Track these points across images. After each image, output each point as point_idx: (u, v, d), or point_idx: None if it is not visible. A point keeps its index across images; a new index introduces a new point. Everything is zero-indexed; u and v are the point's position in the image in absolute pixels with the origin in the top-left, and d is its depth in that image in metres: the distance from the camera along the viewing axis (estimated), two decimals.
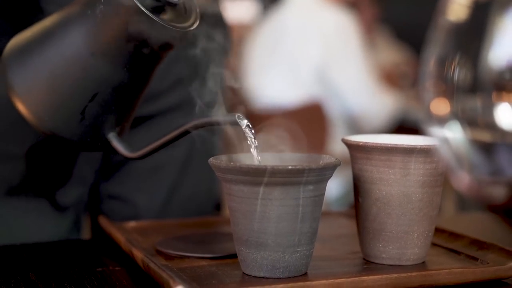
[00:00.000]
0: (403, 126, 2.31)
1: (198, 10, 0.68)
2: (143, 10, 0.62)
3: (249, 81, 2.38)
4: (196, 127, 0.66)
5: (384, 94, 2.38)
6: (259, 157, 0.64)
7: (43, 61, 0.66)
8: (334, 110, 2.29)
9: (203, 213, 0.93)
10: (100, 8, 0.64)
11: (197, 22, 0.67)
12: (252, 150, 0.64)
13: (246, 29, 2.71)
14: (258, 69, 2.37)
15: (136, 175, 0.92)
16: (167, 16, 0.66)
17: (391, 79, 2.90)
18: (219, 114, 0.66)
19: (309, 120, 2.08)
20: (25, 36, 0.68)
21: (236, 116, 0.64)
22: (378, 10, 3.06)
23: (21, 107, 0.67)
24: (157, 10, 0.65)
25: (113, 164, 0.91)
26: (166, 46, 0.66)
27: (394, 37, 3.33)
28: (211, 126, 0.66)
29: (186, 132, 0.66)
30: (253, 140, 0.64)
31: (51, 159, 0.85)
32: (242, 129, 0.64)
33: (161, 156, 0.84)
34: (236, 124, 0.64)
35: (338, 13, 2.29)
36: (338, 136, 2.22)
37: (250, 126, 0.64)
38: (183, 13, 0.67)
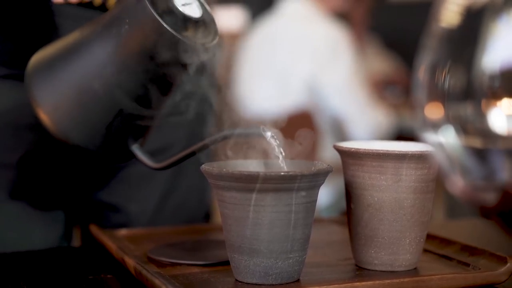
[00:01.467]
0: (401, 136, 2.31)
1: (217, 24, 0.69)
2: (167, 29, 0.64)
3: (239, 90, 2.38)
4: (219, 140, 0.66)
5: (375, 108, 2.37)
6: (285, 167, 0.64)
7: (69, 78, 0.68)
8: (323, 119, 2.28)
9: (194, 221, 0.93)
10: (125, 28, 0.66)
11: (217, 37, 0.68)
12: (280, 160, 0.64)
13: (235, 38, 2.71)
14: (248, 79, 2.37)
15: (127, 184, 0.91)
16: (188, 32, 0.67)
17: (379, 88, 2.90)
18: (243, 126, 0.67)
19: (298, 129, 2.08)
20: (49, 52, 0.70)
21: (261, 128, 0.65)
22: (369, 20, 3.07)
23: (47, 121, 0.68)
24: (180, 27, 0.66)
25: (104, 172, 0.91)
26: (189, 62, 0.67)
27: (384, 46, 3.34)
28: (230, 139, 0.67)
29: (208, 145, 0.67)
30: (280, 150, 0.64)
31: (42, 167, 0.84)
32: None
33: None
34: (260, 135, 0.65)
35: (329, 26, 2.29)
36: (327, 145, 2.23)
37: (275, 137, 0.64)
38: (203, 29, 0.68)
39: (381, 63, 3.20)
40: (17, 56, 0.75)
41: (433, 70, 0.36)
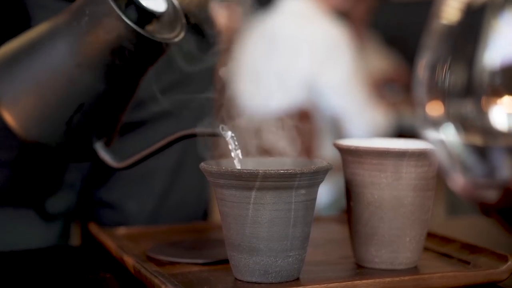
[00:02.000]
0: (401, 134, 2.30)
1: (183, 21, 0.68)
2: (127, 22, 0.63)
3: (237, 88, 2.38)
4: (180, 139, 0.66)
5: (374, 107, 2.37)
6: (239, 166, 0.64)
7: (29, 71, 0.67)
8: (322, 118, 2.28)
9: (192, 219, 0.93)
10: (85, 20, 0.64)
11: (182, 34, 0.67)
12: (236, 162, 0.64)
13: (233, 34, 2.71)
14: (246, 77, 2.37)
15: (125, 182, 0.91)
16: (152, 27, 0.66)
17: (379, 87, 2.90)
18: (204, 126, 0.66)
19: (297, 128, 2.08)
20: (12, 46, 0.69)
21: (220, 127, 0.64)
22: (370, 18, 3.07)
23: (7, 116, 0.67)
24: (142, 21, 0.65)
25: (103, 170, 0.91)
26: (151, 58, 0.66)
27: (384, 43, 3.34)
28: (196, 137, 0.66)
29: (170, 143, 0.66)
30: (237, 152, 0.64)
31: (40, 165, 0.84)
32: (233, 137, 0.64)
33: (151, 163, 0.84)
34: (220, 135, 0.64)
35: (328, 24, 2.28)
36: (326, 144, 2.22)
37: (234, 137, 0.64)
38: (168, 24, 0.67)
39: (382, 61, 3.20)
40: None
41: (434, 67, 0.36)
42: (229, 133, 0.64)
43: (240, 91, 2.36)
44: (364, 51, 3.01)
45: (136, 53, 0.64)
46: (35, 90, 0.67)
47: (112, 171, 0.90)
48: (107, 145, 0.70)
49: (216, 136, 0.65)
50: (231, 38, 2.58)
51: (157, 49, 0.65)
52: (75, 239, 0.96)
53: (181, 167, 0.93)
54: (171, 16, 0.67)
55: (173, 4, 0.67)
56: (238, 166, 0.64)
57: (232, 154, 0.64)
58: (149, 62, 0.67)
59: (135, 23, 0.63)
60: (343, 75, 2.26)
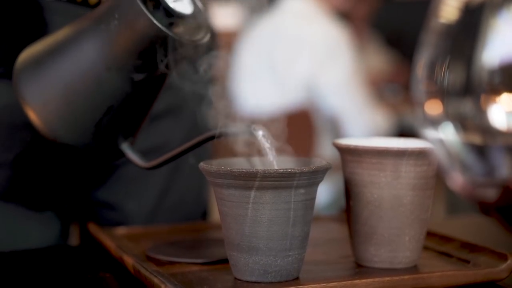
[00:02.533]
0: (402, 134, 2.30)
1: (209, 22, 0.68)
2: (157, 25, 0.63)
3: (237, 88, 2.38)
4: (210, 138, 0.66)
5: (374, 109, 2.36)
6: (276, 165, 0.64)
7: (57, 75, 0.67)
8: (321, 117, 2.28)
9: (191, 219, 0.93)
10: (114, 24, 0.65)
11: (209, 35, 0.67)
12: (271, 159, 0.64)
13: (232, 36, 2.71)
14: (246, 77, 2.37)
15: (124, 182, 0.91)
16: (179, 29, 0.66)
17: (379, 87, 2.90)
18: (234, 125, 0.66)
19: (296, 127, 2.08)
20: (37, 50, 0.69)
21: (252, 127, 0.64)
22: (371, 17, 3.06)
23: (35, 119, 0.68)
24: (170, 23, 0.66)
25: (102, 170, 0.91)
26: (179, 59, 0.66)
27: (385, 43, 3.34)
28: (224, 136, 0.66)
29: (200, 143, 0.66)
30: (270, 150, 0.64)
31: (38, 166, 0.84)
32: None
33: None
34: (251, 134, 0.64)
35: (328, 25, 2.28)
36: (325, 143, 2.22)
37: (266, 136, 0.64)
38: (195, 26, 0.68)
39: (382, 61, 3.19)
40: (8, 54, 0.74)
41: (432, 66, 0.36)
42: (261, 132, 0.64)
43: (240, 91, 2.36)
44: (365, 51, 3.01)
45: (164, 55, 0.65)
46: (64, 93, 0.67)
47: (111, 170, 0.90)
48: (132, 145, 0.71)
49: (247, 135, 0.65)
50: (230, 38, 2.58)
51: (184, 50, 0.66)
52: (74, 239, 0.96)
53: (180, 167, 0.93)
54: (197, 18, 0.68)
55: (198, 6, 0.68)
56: (274, 163, 0.64)
57: (266, 153, 0.64)
58: (176, 63, 0.67)
59: (164, 25, 0.64)
60: (342, 76, 2.25)
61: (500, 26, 0.34)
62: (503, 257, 0.64)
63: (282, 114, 2.15)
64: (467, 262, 0.67)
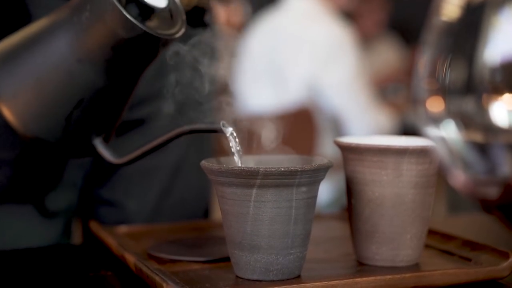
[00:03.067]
0: (405, 133, 2.28)
1: (184, 17, 0.68)
2: (128, 18, 0.63)
3: (238, 87, 2.38)
4: (181, 135, 0.66)
5: (377, 109, 2.35)
6: (240, 163, 0.64)
7: (29, 67, 0.67)
8: (323, 116, 2.27)
9: (193, 218, 0.93)
10: (85, 15, 0.64)
11: (183, 29, 0.67)
12: (235, 158, 0.64)
13: (234, 34, 2.71)
14: (248, 75, 2.37)
15: (126, 180, 0.91)
16: (152, 23, 0.66)
17: (382, 86, 2.89)
18: (204, 122, 0.66)
19: (297, 126, 2.08)
20: (11, 41, 0.68)
21: (221, 123, 0.64)
22: (383, 15, 3.06)
23: (6, 112, 0.67)
24: (143, 17, 0.65)
25: (104, 168, 0.91)
26: (152, 54, 0.66)
27: (399, 40, 3.32)
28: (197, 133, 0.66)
29: (170, 139, 0.66)
30: (237, 148, 0.64)
31: (41, 164, 0.84)
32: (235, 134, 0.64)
33: (152, 161, 0.84)
34: (220, 131, 0.64)
35: (332, 25, 2.28)
36: (327, 142, 2.22)
37: (234, 134, 0.64)
38: (169, 20, 0.67)
39: (392, 60, 3.18)
40: None
41: (434, 64, 0.36)
42: (230, 129, 0.64)
43: (241, 89, 2.36)
44: (374, 51, 3.00)
45: (137, 48, 0.64)
46: (35, 85, 0.66)
47: (113, 169, 0.90)
48: (106, 141, 0.70)
49: (216, 132, 0.65)
50: (232, 35, 2.58)
51: (158, 45, 0.65)
52: (76, 237, 0.96)
53: (182, 165, 0.93)
54: (172, 12, 0.67)
55: (173, 0, 0.67)
56: (239, 163, 0.64)
57: (232, 150, 0.64)
58: (150, 58, 0.67)
59: (136, 18, 0.63)
60: (345, 76, 2.25)
61: (501, 24, 0.34)
62: (504, 255, 0.64)
63: (283, 113, 2.15)
64: (469, 260, 0.67)
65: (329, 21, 2.29)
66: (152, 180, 0.92)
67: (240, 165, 0.64)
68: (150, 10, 0.65)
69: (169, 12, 0.67)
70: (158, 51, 0.66)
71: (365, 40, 2.94)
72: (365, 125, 2.27)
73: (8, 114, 0.67)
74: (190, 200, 0.95)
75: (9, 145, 0.81)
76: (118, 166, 0.89)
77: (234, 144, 0.64)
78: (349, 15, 2.51)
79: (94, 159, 0.89)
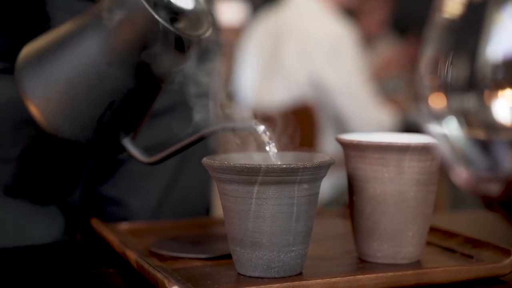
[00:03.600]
0: (407, 130, 2.28)
1: (211, 17, 0.68)
2: (158, 20, 0.63)
3: (241, 84, 2.38)
4: (212, 134, 0.66)
5: (379, 107, 2.35)
6: (277, 161, 0.64)
7: (59, 70, 0.68)
8: (325, 113, 2.27)
9: (195, 215, 0.93)
10: (116, 19, 0.65)
11: (210, 30, 0.67)
12: (271, 155, 0.64)
13: (236, 32, 2.71)
14: (251, 73, 2.37)
15: (129, 177, 0.91)
16: (181, 24, 0.67)
17: (384, 82, 2.89)
18: (235, 120, 0.66)
19: (298, 122, 2.07)
20: (39, 45, 0.69)
21: (253, 122, 0.64)
22: (385, 15, 3.05)
23: (37, 114, 0.68)
24: (171, 19, 0.66)
25: (107, 165, 0.91)
26: (180, 55, 0.67)
27: (401, 39, 3.31)
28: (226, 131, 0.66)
29: (201, 138, 0.66)
30: (271, 145, 0.64)
31: (43, 162, 0.84)
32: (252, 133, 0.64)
33: None
34: (253, 130, 0.64)
35: (334, 22, 2.27)
36: (328, 139, 2.22)
37: (267, 132, 0.64)
38: (197, 21, 0.68)
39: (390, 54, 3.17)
40: (11, 49, 0.74)
41: (436, 61, 0.36)
42: (262, 127, 0.64)
43: (244, 87, 2.36)
44: (375, 50, 3.00)
45: (166, 50, 0.65)
46: (66, 88, 0.67)
47: (115, 166, 0.90)
48: (133, 139, 0.71)
49: (249, 130, 0.65)
50: (234, 34, 2.58)
51: (186, 45, 0.66)
52: (78, 235, 0.96)
53: (185, 163, 0.93)
54: (199, 13, 0.68)
55: (200, 1, 0.68)
56: (274, 159, 0.64)
57: (267, 148, 0.64)
58: (179, 59, 0.67)
59: (165, 20, 0.64)
60: (346, 74, 2.25)
61: (503, 21, 0.34)
62: (506, 253, 0.64)
63: (284, 110, 2.15)
64: (471, 257, 0.67)
65: (331, 19, 2.29)
66: (155, 177, 0.92)
67: (279, 163, 0.64)
68: (178, 12, 0.66)
69: (196, 13, 0.68)
70: (187, 51, 0.67)
71: (367, 39, 2.93)
72: (366, 123, 2.27)
73: (39, 116, 0.68)
74: (193, 197, 0.95)
75: (12, 141, 0.81)
76: (121, 163, 0.89)
77: (268, 142, 0.64)
78: (352, 14, 2.50)
79: (93, 156, 0.89)
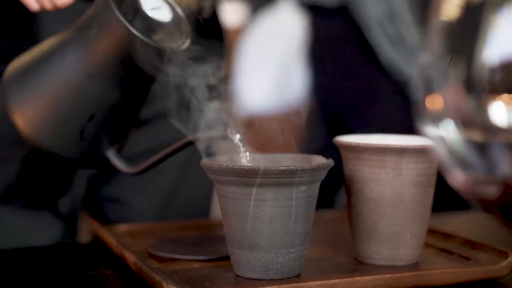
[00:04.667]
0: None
1: (189, 30, 0.69)
2: (134, 33, 0.64)
3: (239, 86, 2.38)
4: (190, 143, 0.66)
5: None
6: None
7: (41, 83, 0.68)
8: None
9: (201, 215, 0.93)
10: (94, 32, 0.66)
11: (188, 42, 0.68)
12: (244, 162, 0.64)
13: (236, 33, 2.71)
14: (248, 75, 2.37)
15: (134, 178, 0.91)
16: (158, 36, 0.67)
17: None
18: (212, 129, 0.66)
19: (296, 123, 2.07)
20: (25, 59, 0.70)
21: (229, 130, 0.65)
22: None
23: (22, 127, 0.69)
24: (149, 31, 0.66)
25: (113, 168, 0.91)
26: (159, 66, 0.67)
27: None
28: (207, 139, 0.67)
29: (179, 149, 0.67)
30: (245, 154, 0.64)
31: (47, 163, 0.84)
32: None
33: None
34: (228, 138, 0.65)
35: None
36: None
37: (242, 140, 0.64)
38: (176, 32, 0.68)
39: None
40: (10, 54, 0.75)
41: (434, 64, 0.36)
42: (237, 136, 0.64)
43: (243, 89, 2.36)
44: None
45: (144, 62, 0.65)
46: (48, 101, 0.68)
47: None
48: (119, 151, 0.71)
49: (224, 139, 0.65)
50: (235, 36, 2.58)
51: (164, 57, 0.66)
52: (82, 236, 0.96)
53: (189, 163, 0.93)
54: (177, 25, 0.68)
55: (178, 13, 0.68)
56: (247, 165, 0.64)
57: (241, 155, 0.64)
58: (158, 70, 0.68)
59: (143, 32, 0.65)
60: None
61: (501, 24, 0.34)
62: (504, 254, 0.65)
63: (283, 112, 2.15)
64: (468, 259, 0.67)
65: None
66: (161, 177, 0.92)
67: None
68: (156, 24, 0.66)
69: (175, 25, 0.68)
70: (165, 63, 0.67)
71: None
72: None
73: (23, 129, 0.68)
74: (198, 199, 0.95)
75: (17, 144, 0.81)
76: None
77: (241, 150, 0.64)
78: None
79: (76, 167, 0.89)
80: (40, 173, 0.84)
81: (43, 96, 0.68)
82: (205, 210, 0.96)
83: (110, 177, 0.91)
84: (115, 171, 0.91)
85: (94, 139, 0.69)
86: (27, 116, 0.68)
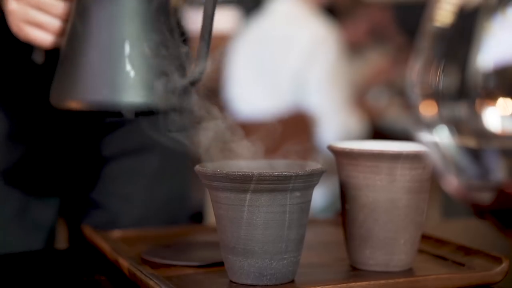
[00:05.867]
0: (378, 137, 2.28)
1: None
2: None
3: (229, 92, 2.38)
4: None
5: (350, 112, 2.35)
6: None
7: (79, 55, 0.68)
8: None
9: (177, 221, 0.93)
10: None
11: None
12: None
13: (226, 40, 2.71)
14: (239, 80, 2.37)
15: (112, 181, 0.91)
16: None
17: (365, 91, 2.90)
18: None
19: (294, 129, 2.08)
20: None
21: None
22: (374, 25, 3.06)
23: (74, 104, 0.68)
24: None
25: (87, 170, 0.91)
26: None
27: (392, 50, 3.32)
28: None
29: None
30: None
31: (28, 168, 0.84)
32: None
33: (137, 162, 0.84)
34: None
35: (315, 24, 2.29)
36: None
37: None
38: None
39: (377, 54, 3.18)
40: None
41: (427, 69, 0.36)
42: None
43: (233, 95, 2.36)
44: (363, 59, 3.01)
45: None
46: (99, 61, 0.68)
47: (97, 170, 0.90)
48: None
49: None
50: (222, 42, 2.58)
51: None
52: (61, 242, 0.96)
53: (167, 166, 0.92)
54: None
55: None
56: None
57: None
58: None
59: None
60: (322, 72, 2.25)
61: (494, 30, 0.34)
62: (497, 260, 0.65)
63: (276, 118, 2.15)
64: (462, 265, 0.67)
65: (313, 20, 2.30)
66: (137, 179, 0.92)
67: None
68: None
69: None
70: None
71: (355, 46, 2.94)
72: (335, 125, 2.27)
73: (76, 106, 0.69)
74: (175, 203, 0.95)
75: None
76: (103, 168, 0.89)
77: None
78: (335, 16, 2.52)
79: (77, 161, 0.89)
80: (19, 179, 0.84)
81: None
82: (181, 216, 0.96)
83: (87, 182, 0.91)
84: (92, 174, 0.91)
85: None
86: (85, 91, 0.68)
